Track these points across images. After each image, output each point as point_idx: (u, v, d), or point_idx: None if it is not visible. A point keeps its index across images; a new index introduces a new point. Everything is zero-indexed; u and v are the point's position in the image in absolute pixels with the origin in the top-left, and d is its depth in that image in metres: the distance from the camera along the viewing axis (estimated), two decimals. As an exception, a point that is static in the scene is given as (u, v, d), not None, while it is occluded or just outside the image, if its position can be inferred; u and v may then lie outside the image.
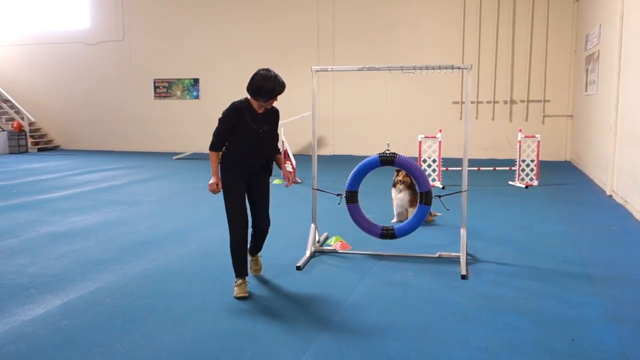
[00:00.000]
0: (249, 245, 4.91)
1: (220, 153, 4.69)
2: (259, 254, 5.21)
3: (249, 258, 5.00)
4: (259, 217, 4.92)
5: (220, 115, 4.62)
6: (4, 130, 18.42)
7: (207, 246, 6.32)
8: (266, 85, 4.51)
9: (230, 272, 4.80)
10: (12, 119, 19.12)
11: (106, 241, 6.57)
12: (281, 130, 11.52)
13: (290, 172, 5.14)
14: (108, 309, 4.41)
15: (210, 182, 4.69)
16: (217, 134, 4.64)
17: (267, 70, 4.60)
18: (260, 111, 4.66)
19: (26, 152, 18.67)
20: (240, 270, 4.71)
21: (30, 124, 19.54)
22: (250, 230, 4.90)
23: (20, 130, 18.73)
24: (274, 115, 4.82)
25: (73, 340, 3.83)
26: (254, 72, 4.65)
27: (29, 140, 19.05)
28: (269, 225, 5.01)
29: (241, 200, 4.71)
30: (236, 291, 4.64)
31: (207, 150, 4.74)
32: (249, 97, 4.67)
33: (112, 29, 18.81)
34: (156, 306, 4.47)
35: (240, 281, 4.68)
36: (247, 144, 4.65)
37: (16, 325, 4.11)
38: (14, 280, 5.16)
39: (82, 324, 4.12)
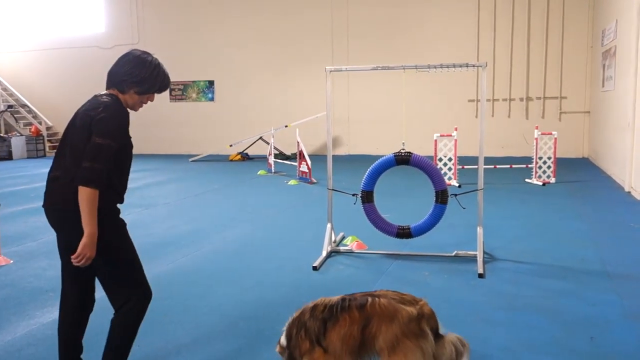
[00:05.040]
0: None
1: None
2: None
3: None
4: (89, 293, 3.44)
5: (103, 129, 2.86)
6: (22, 135, 18.65)
7: (223, 248, 6.34)
8: (157, 71, 3.20)
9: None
10: (30, 124, 19.38)
11: (123, 243, 6.61)
12: (296, 131, 11.54)
13: None
14: (126, 311, 4.43)
15: (85, 240, 2.79)
16: (102, 158, 2.83)
17: (144, 52, 3.23)
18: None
19: (44, 156, 18.87)
20: None
21: (48, 128, 19.78)
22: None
23: (38, 134, 18.96)
24: None
25: (92, 343, 3.85)
26: (122, 55, 3.17)
27: (47, 145, 19.29)
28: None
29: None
30: None
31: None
32: (116, 92, 3.03)
33: (127, 33, 18.95)
34: (173, 308, 4.49)
35: None
36: (128, 166, 3.22)
37: (35, 328, 4.16)
38: (33, 283, 5.21)
39: (101, 326, 4.13)
